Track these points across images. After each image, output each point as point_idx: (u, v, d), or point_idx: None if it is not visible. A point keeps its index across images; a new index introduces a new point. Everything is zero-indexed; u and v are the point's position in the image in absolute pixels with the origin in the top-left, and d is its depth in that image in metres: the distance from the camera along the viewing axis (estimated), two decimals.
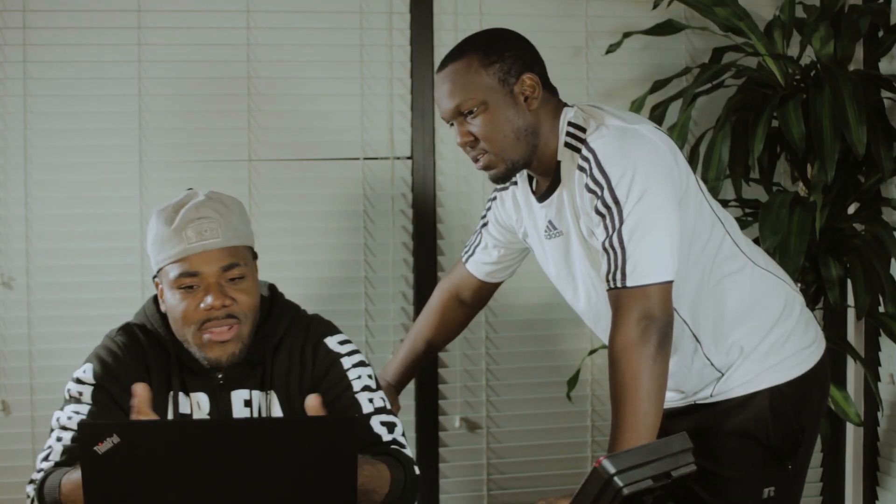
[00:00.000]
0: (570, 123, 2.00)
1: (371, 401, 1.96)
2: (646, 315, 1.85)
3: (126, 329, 1.98)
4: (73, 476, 1.74)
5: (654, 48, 3.08)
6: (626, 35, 2.92)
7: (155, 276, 1.97)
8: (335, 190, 2.93)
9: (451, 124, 2.03)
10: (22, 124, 2.75)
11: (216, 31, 2.84)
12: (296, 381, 1.96)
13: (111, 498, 1.55)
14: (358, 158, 2.94)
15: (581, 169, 1.94)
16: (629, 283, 1.86)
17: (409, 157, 2.96)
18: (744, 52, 2.89)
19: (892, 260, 2.78)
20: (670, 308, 1.89)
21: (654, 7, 2.96)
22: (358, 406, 1.94)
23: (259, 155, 2.88)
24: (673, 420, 2.14)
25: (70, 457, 1.82)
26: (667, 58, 3.08)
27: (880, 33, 3.03)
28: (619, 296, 1.87)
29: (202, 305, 1.87)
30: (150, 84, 2.80)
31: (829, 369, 2.22)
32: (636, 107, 2.89)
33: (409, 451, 1.94)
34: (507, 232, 2.27)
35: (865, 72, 2.95)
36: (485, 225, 2.31)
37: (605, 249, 1.90)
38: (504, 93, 1.96)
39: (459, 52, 1.99)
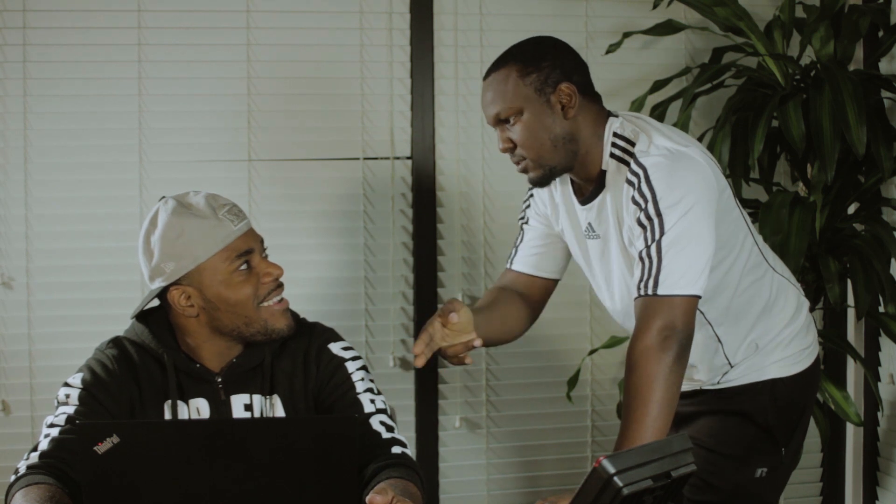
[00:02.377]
0: (616, 135, 2.04)
1: (373, 402, 1.97)
2: (669, 325, 1.88)
3: (116, 342, 1.98)
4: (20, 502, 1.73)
5: (654, 48, 3.08)
6: (626, 35, 2.92)
7: (173, 284, 1.92)
8: (335, 190, 2.93)
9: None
10: (22, 124, 2.75)
11: (216, 31, 2.84)
12: (300, 386, 1.97)
13: (111, 498, 1.55)
14: (358, 158, 2.94)
15: (630, 183, 1.98)
16: (659, 292, 1.90)
17: (409, 157, 2.96)
18: (744, 52, 2.89)
19: (892, 260, 2.78)
20: (692, 324, 1.92)
21: (654, 7, 2.96)
22: (360, 405, 1.95)
23: (259, 155, 2.88)
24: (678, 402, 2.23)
25: (56, 447, 1.82)
26: (667, 58, 3.09)
27: (880, 33, 3.03)
28: (647, 303, 1.91)
29: (265, 279, 1.93)
30: (150, 84, 2.80)
31: (820, 372, 2.31)
32: (636, 107, 2.89)
33: (410, 450, 1.95)
34: (547, 222, 2.28)
35: (865, 72, 2.95)
36: (525, 221, 2.33)
37: (641, 258, 1.94)
38: (541, 102, 2.01)
39: (501, 61, 2.04)
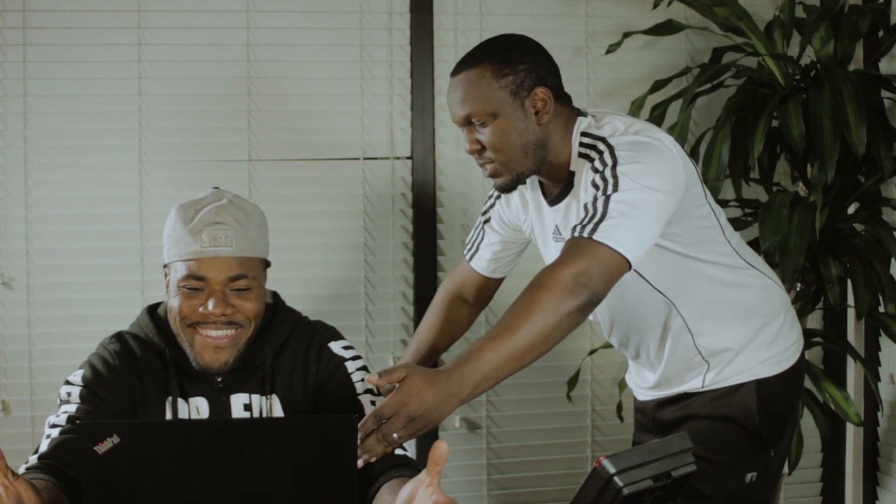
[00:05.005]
0: (584, 134, 1.99)
1: (373, 403, 1.96)
2: (586, 272, 1.79)
3: (118, 337, 1.98)
4: None
5: (654, 48, 3.08)
6: (626, 35, 2.92)
7: (165, 266, 1.97)
8: (335, 190, 2.93)
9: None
10: (22, 124, 2.75)
11: (216, 31, 2.84)
12: (300, 385, 1.96)
13: (111, 498, 1.55)
14: (358, 158, 2.94)
15: (590, 159, 1.93)
16: (597, 237, 1.81)
17: (409, 157, 2.96)
18: (744, 52, 2.89)
19: (892, 260, 2.78)
20: (607, 288, 1.83)
21: (654, 7, 2.96)
22: (360, 407, 1.95)
23: (259, 155, 2.88)
24: (662, 408, 2.24)
25: (55, 448, 1.82)
26: (667, 58, 3.09)
27: (880, 33, 3.03)
28: (576, 243, 1.82)
29: (201, 309, 1.88)
30: (150, 84, 2.81)
31: (805, 368, 2.29)
32: (636, 107, 2.89)
33: (409, 451, 1.95)
34: (511, 229, 2.28)
35: (865, 72, 2.95)
36: (487, 221, 2.32)
37: (585, 208, 1.86)
38: (515, 106, 1.95)
39: (474, 59, 1.97)
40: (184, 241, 1.89)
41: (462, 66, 1.98)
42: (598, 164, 1.91)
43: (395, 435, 1.70)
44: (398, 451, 1.91)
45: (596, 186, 1.88)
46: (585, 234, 1.82)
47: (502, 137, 1.96)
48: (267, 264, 2.00)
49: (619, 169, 1.86)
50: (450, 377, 1.74)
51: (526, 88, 1.95)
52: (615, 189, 1.84)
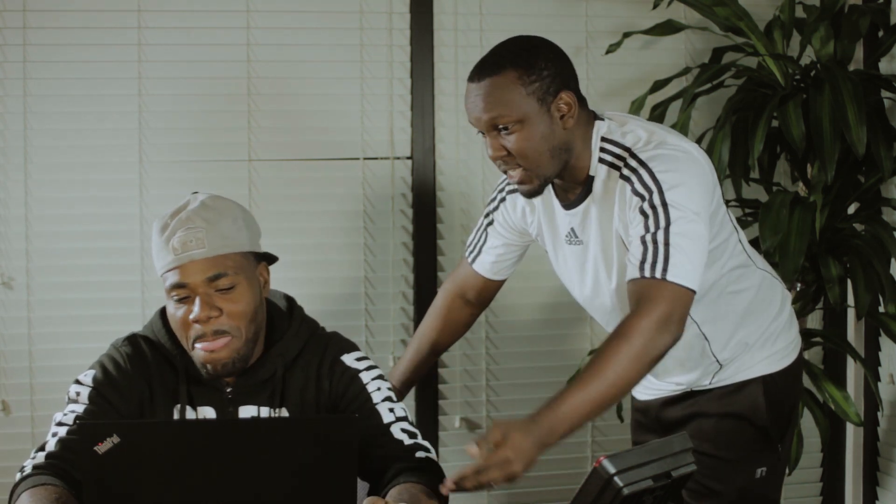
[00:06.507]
0: (604, 139, 1.99)
1: (392, 410, 1.94)
2: (669, 316, 1.85)
3: (131, 340, 1.95)
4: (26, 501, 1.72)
5: (654, 48, 3.08)
6: (626, 35, 2.92)
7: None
8: (335, 190, 2.93)
9: (480, 132, 1.99)
10: (22, 124, 2.75)
11: (216, 31, 2.84)
12: (311, 401, 1.93)
13: (111, 498, 1.55)
14: (358, 158, 2.94)
15: (626, 179, 1.94)
16: (668, 277, 1.85)
17: (409, 157, 2.96)
18: (744, 52, 2.89)
19: (892, 260, 2.78)
20: (683, 328, 1.89)
21: (654, 7, 2.96)
22: (378, 416, 1.92)
23: (259, 155, 2.88)
24: (668, 407, 2.25)
25: (63, 448, 1.81)
26: (667, 58, 3.09)
27: (880, 33, 3.03)
28: (652, 284, 1.86)
29: (191, 316, 1.85)
30: (150, 84, 2.80)
31: (803, 365, 2.34)
32: (636, 107, 2.89)
33: (433, 454, 1.93)
34: (515, 232, 2.27)
35: (865, 72, 2.95)
36: (490, 223, 2.30)
37: (643, 242, 1.88)
38: (542, 111, 1.93)
39: (497, 65, 1.94)
40: (163, 253, 1.88)
41: (484, 71, 1.95)
42: (638, 186, 1.91)
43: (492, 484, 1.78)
44: (419, 455, 1.90)
45: (645, 215, 1.90)
46: (657, 276, 1.86)
47: (530, 143, 1.93)
48: (262, 258, 1.97)
49: (666, 196, 1.88)
50: (541, 427, 1.82)
51: (552, 93, 1.93)
52: (668, 219, 1.88)
